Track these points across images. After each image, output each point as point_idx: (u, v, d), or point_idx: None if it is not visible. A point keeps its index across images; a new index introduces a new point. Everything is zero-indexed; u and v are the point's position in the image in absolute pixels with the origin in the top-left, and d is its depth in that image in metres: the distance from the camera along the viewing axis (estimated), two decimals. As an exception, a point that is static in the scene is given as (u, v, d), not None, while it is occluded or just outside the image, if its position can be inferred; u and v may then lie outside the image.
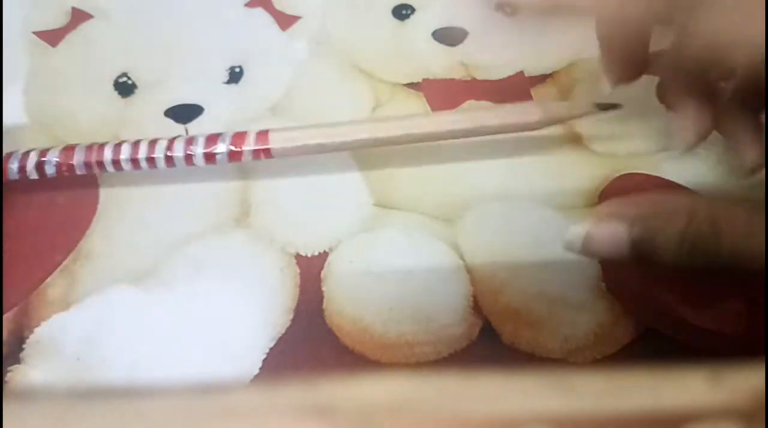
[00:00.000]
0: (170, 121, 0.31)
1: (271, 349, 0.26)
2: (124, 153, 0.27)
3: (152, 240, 0.28)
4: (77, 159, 0.27)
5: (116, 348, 0.26)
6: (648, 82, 0.33)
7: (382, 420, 0.13)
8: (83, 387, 0.13)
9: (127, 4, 0.35)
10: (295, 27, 0.35)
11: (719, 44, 0.21)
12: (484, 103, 0.32)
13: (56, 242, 0.28)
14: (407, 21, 0.34)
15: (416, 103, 0.32)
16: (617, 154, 0.31)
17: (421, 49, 0.34)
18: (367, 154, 0.30)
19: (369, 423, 0.13)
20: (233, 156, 0.27)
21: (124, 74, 0.32)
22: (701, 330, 0.26)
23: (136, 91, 0.32)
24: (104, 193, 0.30)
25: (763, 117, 0.25)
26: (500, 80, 0.33)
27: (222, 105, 0.32)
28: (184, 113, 0.31)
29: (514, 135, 0.31)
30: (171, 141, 0.28)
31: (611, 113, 0.28)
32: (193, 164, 0.28)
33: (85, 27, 0.34)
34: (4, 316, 0.26)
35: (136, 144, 0.28)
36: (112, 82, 0.32)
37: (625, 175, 0.30)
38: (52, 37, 0.34)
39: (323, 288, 0.27)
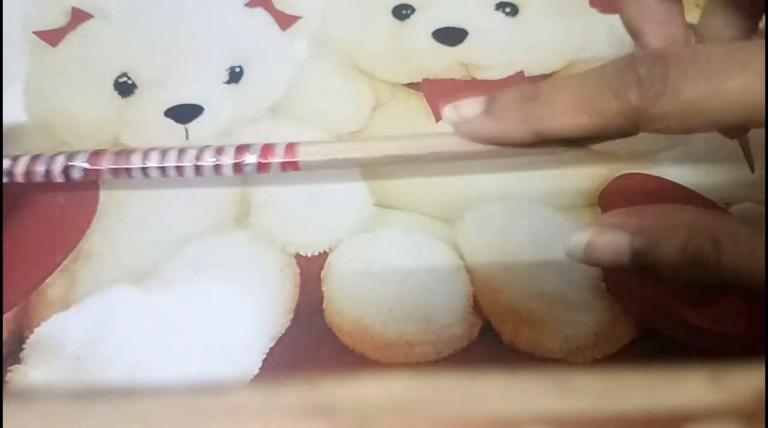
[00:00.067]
0: (170, 121, 0.31)
1: (271, 349, 0.26)
2: (153, 160, 0.27)
3: (152, 240, 0.28)
4: (106, 165, 0.27)
5: (116, 348, 0.26)
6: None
7: (382, 420, 0.13)
8: (83, 387, 0.13)
9: (127, 4, 0.35)
10: (295, 27, 0.35)
11: None
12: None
13: (56, 242, 0.28)
14: (407, 21, 0.34)
15: (416, 103, 0.32)
16: (617, 154, 0.31)
17: (421, 49, 0.34)
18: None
19: (369, 423, 0.13)
20: (261, 167, 0.27)
21: (124, 74, 0.32)
22: (701, 330, 0.26)
23: (136, 91, 0.32)
24: (104, 193, 0.30)
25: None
26: (500, 80, 0.33)
27: (222, 105, 0.32)
28: (184, 113, 0.31)
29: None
30: (200, 150, 0.27)
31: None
32: (222, 174, 0.27)
33: (85, 27, 0.34)
34: (4, 316, 0.26)
35: (164, 152, 0.27)
36: (112, 82, 0.32)
37: (625, 175, 0.30)
38: (52, 37, 0.34)
39: (323, 288, 0.27)
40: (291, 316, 0.27)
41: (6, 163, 0.27)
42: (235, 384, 0.13)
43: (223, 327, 0.26)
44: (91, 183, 0.30)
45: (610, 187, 0.30)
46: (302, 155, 0.27)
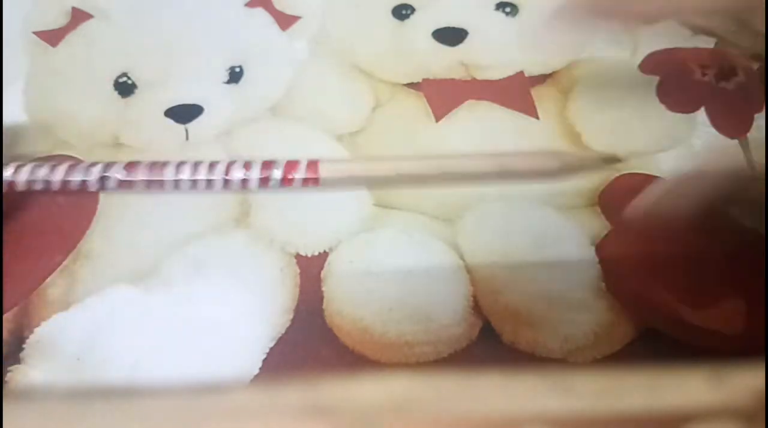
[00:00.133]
0: (170, 121, 0.31)
1: (271, 349, 0.26)
2: (185, 173, 0.27)
3: (152, 240, 0.28)
4: (141, 176, 0.27)
5: (116, 348, 0.26)
6: (648, 82, 0.33)
7: (382, 420, 0.13)
8: (83, 387, 0.13)
9: (127, 4, 0.35)
10: (295, 27, 0.35)
11: None
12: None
13: (56, 242, 0.28)
14: (407, 21, 0.34)
15: (416, 103, 0.32)
16: (617, 154, 0.31)
17: (421, 49, 0.33)
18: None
19: (369, 423, 0.13)
20: (285, 182, 0.27)
21: (124, 74, 0.32)
22: (701, 330, 0.26)
23: (136, 91, 0.32)
24: (104, 194, 0.30)
25: None
26: (500, 80, 0.33)
27: (222, 105, 0.32)
28: (184, 113, 0.31)
29: (515, 135, 0.31)
30: (228, 165, 0.27)
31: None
32: (248, 189, 0.27)
33: (85, 27, 0.34)
34: (4, 316, 0.26)
35: (195, 165, 0.27)
36: (112, 82, 0.32)
37: (625, 174, 0.30)
38: (52, 37, 0.34)
39: (323, 288, 0.27)
40: (291, 316, 0.27)
41: (44, 171, 0.28)
42: (235, 384, 0.13)
43: (223, 327, 0.26)
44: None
45: (610, 187, 0.30)
46: (323, 172, 0.27)
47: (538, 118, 0.32)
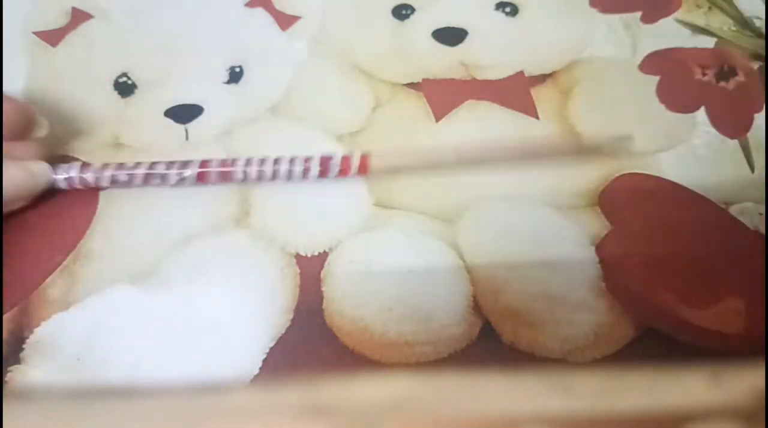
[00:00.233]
0: (170, 121, 0.31)
1: (271, 349, 0.26)
2: (253, 165, 0.29)
3: (152, 240, 0.28)
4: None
5: (116, 348, 0.26)
6: (648, 82, 0.33)
7: (382, 420, 0.13)
8: (83, 387, 0.13)
9: (127, 4, 0.35)
10: (295, 27, 0.35)
11: None
12: (486, 102, 0.32)
13: (56, 242, 0.28)
14: (407, 21, 0.34)
15: (416, 103, 0.32)
16: (617, 154, 0.31)
17: (421, 49, 0.34)
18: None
19: (369, 423, 0.13)
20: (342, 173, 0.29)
21: (124, 74, 0.32)
22: (701, 330, 0.26)
23: (136, 91, 0.32)
24: (104, 193, 0.30)
25: None
26: (500, 80, 0.33)
27: (222, 105, 0.32)
28: (184, 113, 0.31)
29: (515, 135, 0.31)
30: (291, 161, 0.29)
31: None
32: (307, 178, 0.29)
33: (85, 27, 0.34)
34: (4, 316, 0.26)
35: (262, 161, 0.29)
36: (112, 82, 0.32)
37: (625, 174, 0.30)
38: (52, 37, 0.34)
39: (323, 288, 0.27)
40: (291, 316, 0.27)
41: (92, 175, 0.28)
42: (235, 384, 0.13)
43: (223, 327, 0.26)
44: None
45: (610, 187, 0.30)
46: (374, 163, 0.29)
47: (538, 118, 0.32)
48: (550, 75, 0.33)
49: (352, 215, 0.29)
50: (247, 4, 0.35)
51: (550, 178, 0.30)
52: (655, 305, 0.26)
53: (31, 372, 0.25)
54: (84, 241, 0.28)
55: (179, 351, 0.26)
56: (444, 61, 0.33)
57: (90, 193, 0.30)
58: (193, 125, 0.31)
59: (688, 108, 0.32)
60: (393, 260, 0.28)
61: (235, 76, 0.33)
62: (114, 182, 0.29)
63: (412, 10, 0.35)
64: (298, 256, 0.28)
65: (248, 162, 0.29)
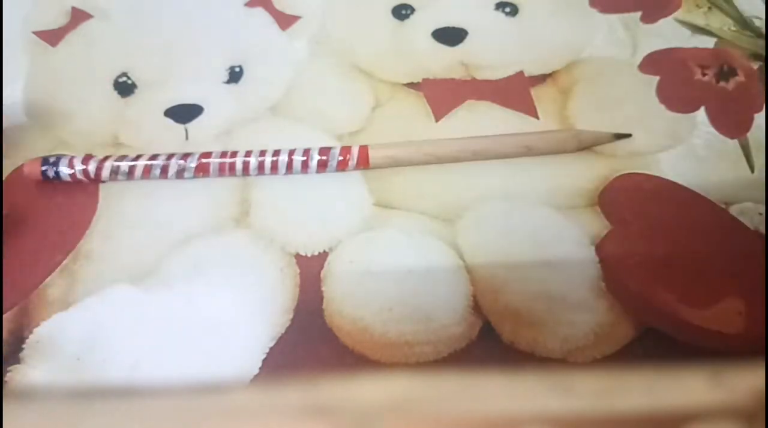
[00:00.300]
0: (170, 121, 0.31)
1: (271, 349, 0.26)
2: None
3: (152, 240, 0.28)
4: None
5: (116, 348, 0.26)
6: (648, 82, 0.33)
7: (382, 420, 0.13)
8: (83, 387, 0.13)
9: (127, 4, 0.35)
10: (295, 27, 0.35)
11: None
12: (487, 103, 0.32)
13: (56, 242, 0.28)
14: (407, 21, 0.34)
15: (416, 102, 0.32)
16: (617, 154, 0.31)
17: (421, 49, 0.34)
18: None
19: (369, 423, 0.13)
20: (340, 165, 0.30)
21: (124, 74, 0.32)
22: (701, 330, 0.26)
23: (136, 91, 0.32)
24: (104, 193, 0.30)
25: None
26: (500, 80, 0.33)
27: (222, 105, 0.32)
28: (184, 113, 0.31)
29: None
30: (291, 152, 0.29)
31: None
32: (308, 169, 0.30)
33: (85, 27, 0.34)
34: (4, 316, 0.26)
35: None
36: (112, 82, 0.32)
37: (625, 174, 0.30)
38: (52, 37, 0.34)
39: (323, 288, 0.27)
40: (291, 316, 0.27)
41: (93, 165, 0.29)
42: (235, 384, 0.13)
43: (223, 327, 0.26)
44: (91, 182, 0.30)
45: (610, 186, 0.30)
46: (373, 156, 0.30)
47: (538, 117, 0.32)
48: (550, 75, 0.33)
49: (352, 215, 0.29)
50: (246, 4, 0.35)
51: (550, 177, 0.30)
52: (655, 305, 0.26)
53: (30, 372, 0.25)
54: (84, 241, 0.28)
55: (179, 351, 0.26)
56: (444, 61, 0.33)
57: (90, 193, 0.30)
58: (193, 125, 0.31)
59: (688, 108, 0.32)
60: (393, 260, 0.28)
61: (235, 75, 0.33)
62: (114, 173, 0.29)
63: (412, 10, 0.35)
64: (298, 256, 0.28)
65: (248, 153, 0.29)
